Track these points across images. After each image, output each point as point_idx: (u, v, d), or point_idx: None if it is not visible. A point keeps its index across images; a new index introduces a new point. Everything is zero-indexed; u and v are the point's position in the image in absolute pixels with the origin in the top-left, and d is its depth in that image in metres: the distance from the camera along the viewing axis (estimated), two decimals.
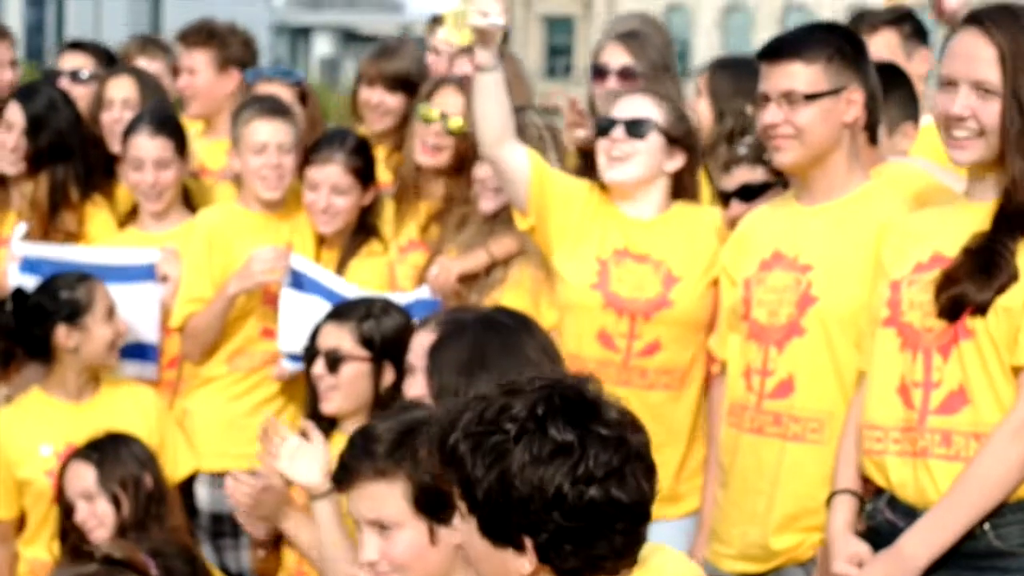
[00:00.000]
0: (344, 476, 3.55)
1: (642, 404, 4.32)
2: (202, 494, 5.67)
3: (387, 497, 3.46)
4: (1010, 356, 3.72)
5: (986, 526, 3.74)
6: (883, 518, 3.91)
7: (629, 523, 2.88)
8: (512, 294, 5.30)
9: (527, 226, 5.08)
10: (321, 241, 5.90)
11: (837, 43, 4.22)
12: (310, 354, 4.95)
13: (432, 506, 3.41)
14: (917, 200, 4.28)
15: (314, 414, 4.91)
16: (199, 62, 6.64)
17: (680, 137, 4.97)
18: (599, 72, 5.60)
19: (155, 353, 5.74)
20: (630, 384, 4.79)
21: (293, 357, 5.57)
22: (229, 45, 6.65)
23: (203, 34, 6.74)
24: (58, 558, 5.16)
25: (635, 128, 4.89)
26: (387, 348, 4.86)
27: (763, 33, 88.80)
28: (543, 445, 2.84)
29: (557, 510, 2.84)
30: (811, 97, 4.16)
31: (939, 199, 4.24)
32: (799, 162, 4.24)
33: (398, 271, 5.78)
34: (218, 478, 5.56)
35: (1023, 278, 3.70)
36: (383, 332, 4.89)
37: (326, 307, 5.43)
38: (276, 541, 4.80)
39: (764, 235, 4.39)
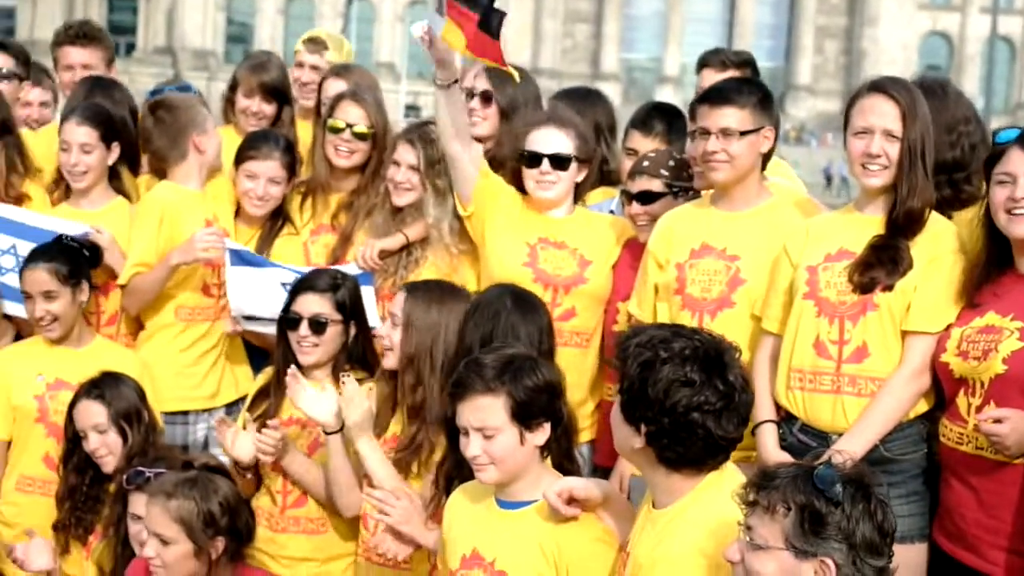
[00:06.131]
0: (458, 391, 4.66)
1: (559, 359, 5.50)
2: None
3: (491, 408, 4.59)
4: (902, 323, 5.28)
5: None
6: (795, 440, 5.39)
7: (713, 446, 4.19)
8: (430, 271, 6.48)
9: (467, 214, 6.36)
10: (235, 217, 6.99)
11: (758, 94, 5.72)
12: (291, 319, 5.95)
13: (524, 417, 4.60)
14: (800, 208, 5.84)
15: (287, 364, 5.96)
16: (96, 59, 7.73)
17: (586, 158, 6.41)
18: (469, 94, 6.85)
19: None
20: None
21: (244, 318, 6.65)
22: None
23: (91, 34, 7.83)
24: (64, 476, 6.08)
25: (559, 162, 6.31)
26: (352, 311, 6.02)
27: (326, 21, 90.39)
28: (677, 374, 4.14)
29: (668, 417, 4.16)
30: (743, 133, 5.63)
31: (812, 210, 5.83)
32: (729, 180, 5.71)
33: (311, 249, 6.93)
34: (173, 416, 6.64)
35: (916, 267, 5.26)
36: (350, 299, 6.02)
37: (262, 275, 6.56)
38: (255, 468, 5.94)
39: (691, 231, 5.82)
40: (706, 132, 5.67)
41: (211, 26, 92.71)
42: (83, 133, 6.72)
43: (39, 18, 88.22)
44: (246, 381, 6.80)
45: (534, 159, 6.30)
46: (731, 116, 5.64)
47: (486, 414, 4.58)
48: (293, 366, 5.75)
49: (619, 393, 4.28)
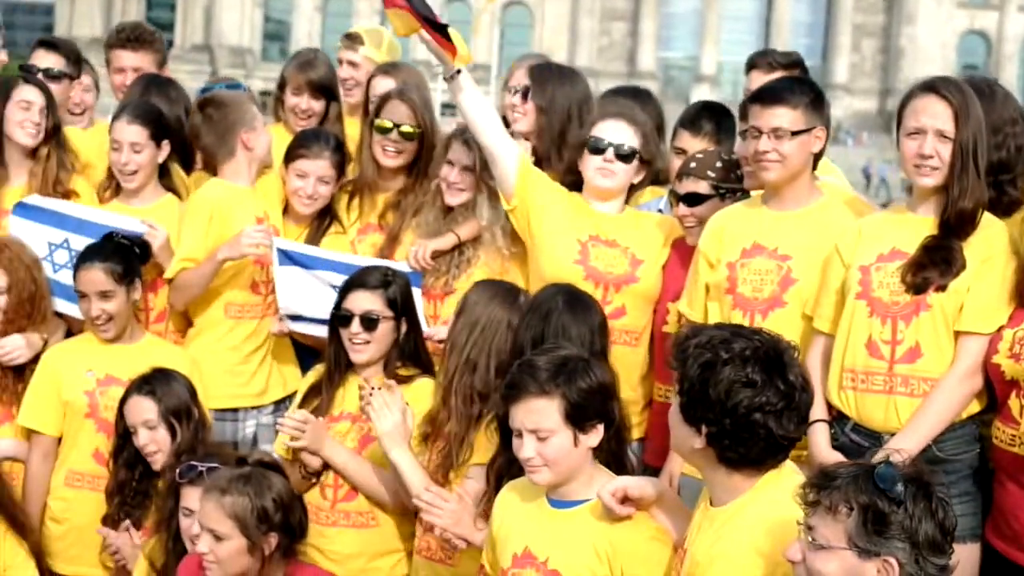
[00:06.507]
0: (512, 393, 4.66)
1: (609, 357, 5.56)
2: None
3: (545, 411, 4.59)
4: (954, 324, 5.27)
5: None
6: (847, 439, 5.38)
7: (774, 446, 4.19)
8: (482, 271, 6.50)
9: (511, 207, 6.36)
10: (283, 214, 7.01)
11: (811, 94, 5.71)
12: (343, 316, 5.93)
13: (578, 419, 4.61)
14: (850, 207, 5.82)
15: (338, 362, 6.01)
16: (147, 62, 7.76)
17: (648, 158, 6.41)
18: (513, 91, 6.90)
19: None
20: None
21: (292, 318, 6.68)
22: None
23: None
24: (114, 471, 6.14)
25: (624, 154, 6.30)
26: (403, 307, 6.02)
27: (363, 18, 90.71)
28: (739, 375, 4.15)
29: (729, 418, 4.16)
30: (795, 133, 5.62)
31: (862, 209, 5.81)
32: (780, 180, 5.70)
33: (358, 248, 6.94)
34: (222, 412, 6.66)
35: (968, 268, 5.24)
36: (401, 295, 6.02)
37: (311, 275, 6.57)
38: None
39: (742, 230, 5.81)
40: (758, 131, 5.67)
41: (248, 24, 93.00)
42: (133, 132, 6.75)
43: (77, 15, 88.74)
44: (293, 379, 6.83)
45: (598, 147, 6.32)
46: (783, 116, 5.64)
47: (540, 416, 4.59)
48: (372, 385, 5.67)
49: (678, 394, 4.28)
